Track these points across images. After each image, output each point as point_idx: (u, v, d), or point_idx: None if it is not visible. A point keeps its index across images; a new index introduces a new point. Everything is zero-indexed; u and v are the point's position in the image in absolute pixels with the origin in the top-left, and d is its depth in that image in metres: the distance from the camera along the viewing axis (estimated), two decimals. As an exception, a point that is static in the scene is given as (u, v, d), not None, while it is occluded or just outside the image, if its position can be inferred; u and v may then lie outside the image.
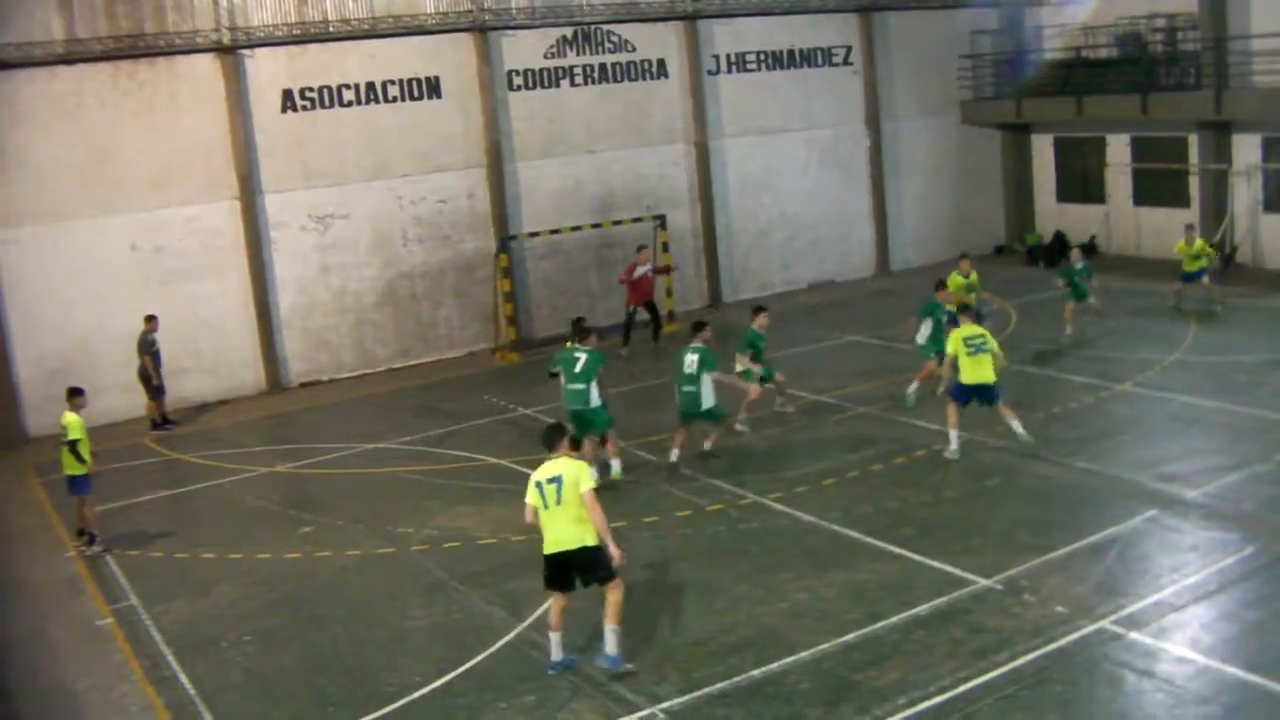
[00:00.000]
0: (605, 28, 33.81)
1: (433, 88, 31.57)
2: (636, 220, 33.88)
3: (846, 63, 38.08)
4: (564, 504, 13.68)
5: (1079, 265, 28.14)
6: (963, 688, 12.86)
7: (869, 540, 17.25)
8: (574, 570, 13.83)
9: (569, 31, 33.29)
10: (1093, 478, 19.03)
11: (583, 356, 20.28)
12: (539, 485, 13.77)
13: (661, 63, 34.85)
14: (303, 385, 30.52)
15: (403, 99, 31.24)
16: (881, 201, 39.02)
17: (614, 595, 13.78)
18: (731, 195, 36.31)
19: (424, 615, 16.21)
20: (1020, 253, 39.93)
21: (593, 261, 34.05)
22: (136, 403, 27.78)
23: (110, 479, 23.04)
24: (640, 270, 30.98)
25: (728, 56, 35.98)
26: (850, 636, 14.31)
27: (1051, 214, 40.28)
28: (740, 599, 15.75)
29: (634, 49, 34.32)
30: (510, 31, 32.47)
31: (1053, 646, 13.57)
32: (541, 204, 33.18)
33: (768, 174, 36.90)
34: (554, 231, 32.73)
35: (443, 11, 31.39)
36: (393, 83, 31.05)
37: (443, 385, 29.57)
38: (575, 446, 15.72)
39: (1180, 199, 36.69)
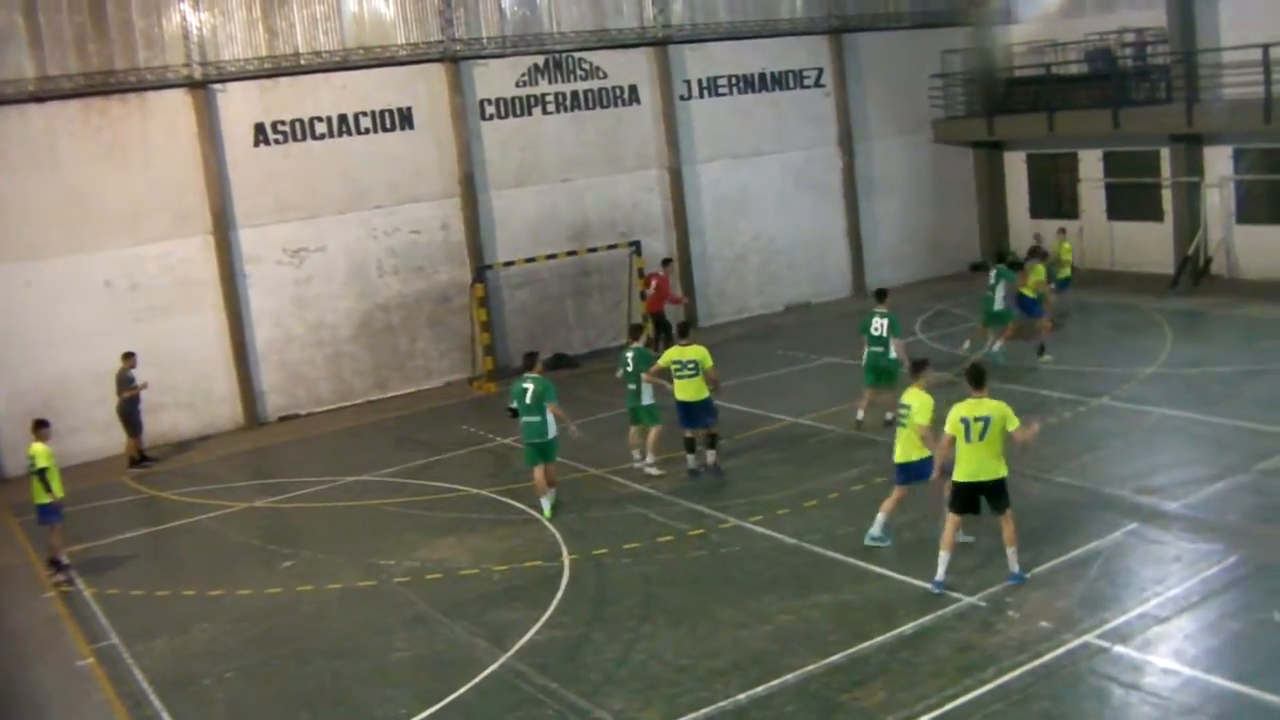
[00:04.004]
0: (576, 55, 33.87)
1: (405, 118, 31.55)
2: (611, 247, 33.91)
3: (818, 85, 38.21)
4: (987, 440, 15.37)
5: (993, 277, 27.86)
6: (949, 706, 12.85)
7: (852, 561, 17.24)
8: (982, 495, 15.67)
9: (540, 60, 33.33)
10: (1073, 492, 19.07)
11: (530, 386, 20.37)
12: (965, 421, 15.42)
13: (633, 89, 34.93)
14: (281, 419, 30.40)
15: (375, 130, 31.22)
16: (856, 222, 39.13)
17: (1008, 523, 15.74)
18: (706, 220, 36.37)
19: (407, 648, 16.12)
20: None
21: (569, 289, 34.05)
22: (115, 440, 27.64)
23: (89, 517, 22.98)
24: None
25: (699, 81, 36.07)
26: (835, 657, 14.28)
27: (1026, 230, 40.38)
28: (724, 623, 15.72)
29: (605, 76, 34.38)
30: (482, 61, 32.49)
31: (1038, 662, 13.58)
32: (516, 233, 33.17)
33: (742, 198, 36.96)
34: (529, 260, 32.70)
35: (414, 42, 31.41)
36: (365, 114, 31.03)
37: (421, 416, 29.48)
38: None
39: (1153, 212, 36.90)
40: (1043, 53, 39.47)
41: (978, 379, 15.68)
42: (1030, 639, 14.15)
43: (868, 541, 17.57)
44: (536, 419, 20.33)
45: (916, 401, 16.86)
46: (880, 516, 17.63)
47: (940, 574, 15.72)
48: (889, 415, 22.90)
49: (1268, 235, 34.40)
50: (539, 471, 20.68)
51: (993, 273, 27.97)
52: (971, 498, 15.72)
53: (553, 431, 20.40)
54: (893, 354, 23.27)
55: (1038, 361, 27.45)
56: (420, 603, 17.58)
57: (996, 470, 15.51)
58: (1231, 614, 14.43)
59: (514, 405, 20.81)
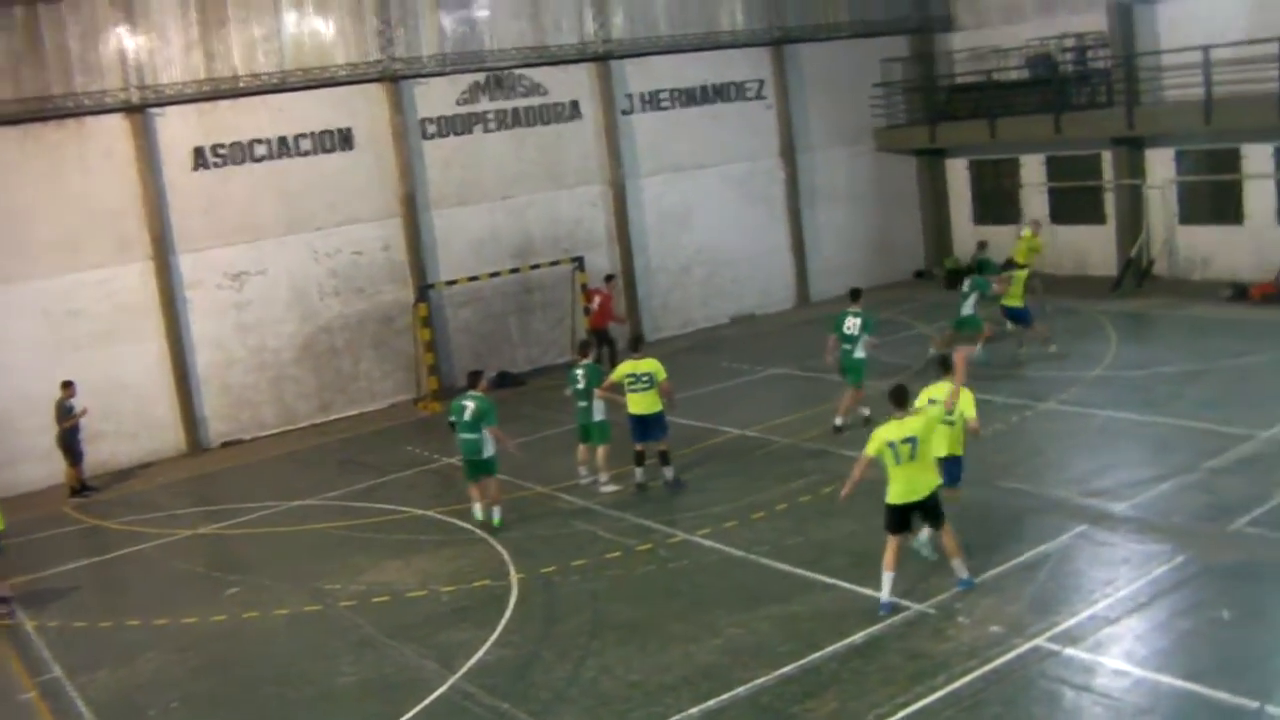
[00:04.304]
0: (517, 72, 33.74)
1: (345, 139, 31.35)
2: (555, 264, 33.79)
3: (760, 96, 38.25)
4: (919, 459, 15.21)
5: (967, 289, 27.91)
6: (901, 714, 12.83)
7: (801, 572, 17.18)
8: (917, 512, 15.55)
9: (481, 77, 33.18)
10: (1021, 497, 19.10)
11: (470, 404, 20.43)
12: (891, 444, 15.12)
13: (575, 104, 34.83)
14: (224, 445, 30.05)
15: (315, 152, 30.97)
16: (800, 233, 39.16)
17: (947, 533, 15.70)
18: (650, 234, 36.31)
19: (355, 672, 15.94)
20: (940, 277, 40.11)
21: (512, 307, 33.86)
22: (55, 470, 27.28)
23: (30, 548, 22.66)
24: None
25: (641, 95, 36.03)
26: (787, 669, 14.22)
27: (969, 236, 40.56)
28: (674, 638, 15.63)
29: (546, 92, 34.28)
30: (422, 80, 32.31)
31: (989, 667, 13.56)
32: (459, 251, 32.98)
33: (685, 211, 36.92)
34: (472, 279, 32.52)
35: (353, 62, 31.21)
36: (305, 136, 30.80)
37: (366, 438, 29.22)
38: None
39: (1096, 215, 37.20)
40: (984, 59, 39.70)
41: (900, 399, 15.44)
42: (981, 644, 14.13)
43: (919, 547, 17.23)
44: (473, 436, 20.37)
45: (963, 398, 16.76)
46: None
47: (885, 594, 15.51)
48: (865, 412, 23.63)
49: (1210, 236, 34.74)
50: (474, 488, 20.92)
51: (967, 281, 28.12)
52: (905, 518, 15.53)
53: (489, 451, 20.44)
54: (859, 353, 23.65)
55: (1020, 353, 27.99)
56: (367, 626, 17.39)
57: (930, 484, 15.35)
58: (1181, 613, 14.47)
59: (453, 419, 20.78)
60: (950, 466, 16.92)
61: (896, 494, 15.39)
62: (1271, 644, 13.63)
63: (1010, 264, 29.48)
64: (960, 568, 15.76)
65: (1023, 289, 27.91)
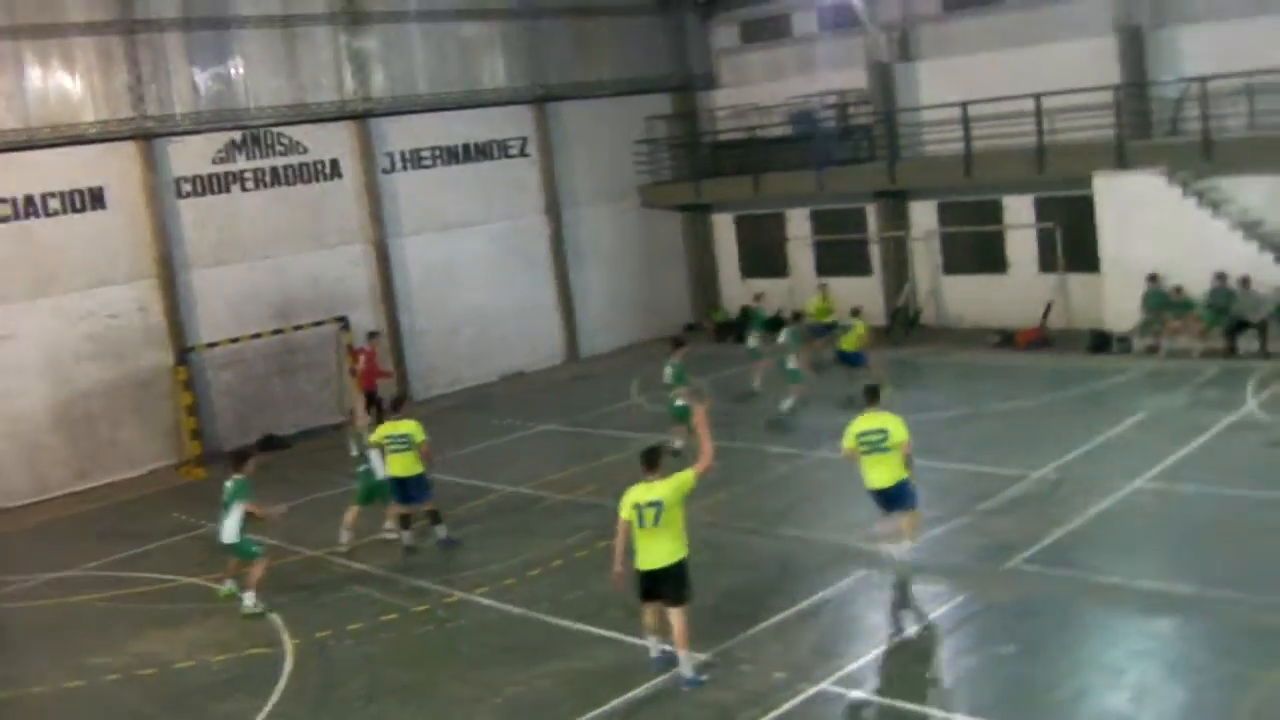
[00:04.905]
0: (275, 130, 33.18)
1: (96, 198, 30.31)
2: (318, 324, 33.22)
3: (523, 154, 38.33)
4: (663, 524, 14.46)
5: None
6: (689, 765, 12.76)
7: (581, 626, 17.10)
8: (664, 585, 14.67)
9: (238, 135, 32.53)
10: (800, 544, 19.36)
11: (228, 485, 19.37)
12: (638, 507, 14.46)
13: (335, 163, 34.39)
14: (-28, 517, 28.77)
15: (65, 211, 29.86)
16: (567, 289, 39.28)
17: (680, 619, 14.70)
18: (415, 293, 35.97)
19: (122, 748, 15.32)
20: (709, 330, 40.61)
21: (275, 369, 33.10)
22: None
23: None
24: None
25: (402, 154, 35.79)
26: (571, 726, 14.07)
27: (737, 290, 41.20)
28: (455, 699, 15.45)
29: (306, 150, 33.78)
30: (176, 138, 31.53)
31: (775, 714, 13.68)
32: (218, 313, 32.14)
33: (450, 269, 36.68)
34: (233, 340, 31.79)
35: (103, 120, 30.29)
36: (53, 195, 29.66)
37: (127, 506, 28.17)
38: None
39: (863, 267, 38.26)
40: (746, 116, 40.48)
41: (650, 461, 14.75)
42: (766, 691, 14.21)
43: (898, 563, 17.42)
44: (223, 517, 19.32)
45: (891, 424, 17.05)
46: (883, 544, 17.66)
47: (654, 652, 15.31)
48: (677, 444, 24.09)
49: (975, 285, 36.08)
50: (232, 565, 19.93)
51: (784, 333, 28.82)
52: (655, 586, 14.78)
53: (230, 536, 19.25)
54: (677, 401, 24.85)
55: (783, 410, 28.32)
56: (135, 700, 16.73)
57: (675, 553, 14.56)
58: (964, 651, 14.80)
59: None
60: (902, 490, 17.22)
61: (643, 561, 14.74)
62: (1052, 677, 13.97)
63: (798, 317, 30.05)
64: (686, 664, 14.80)
65: (856, 339, 29.22)
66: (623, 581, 14.85)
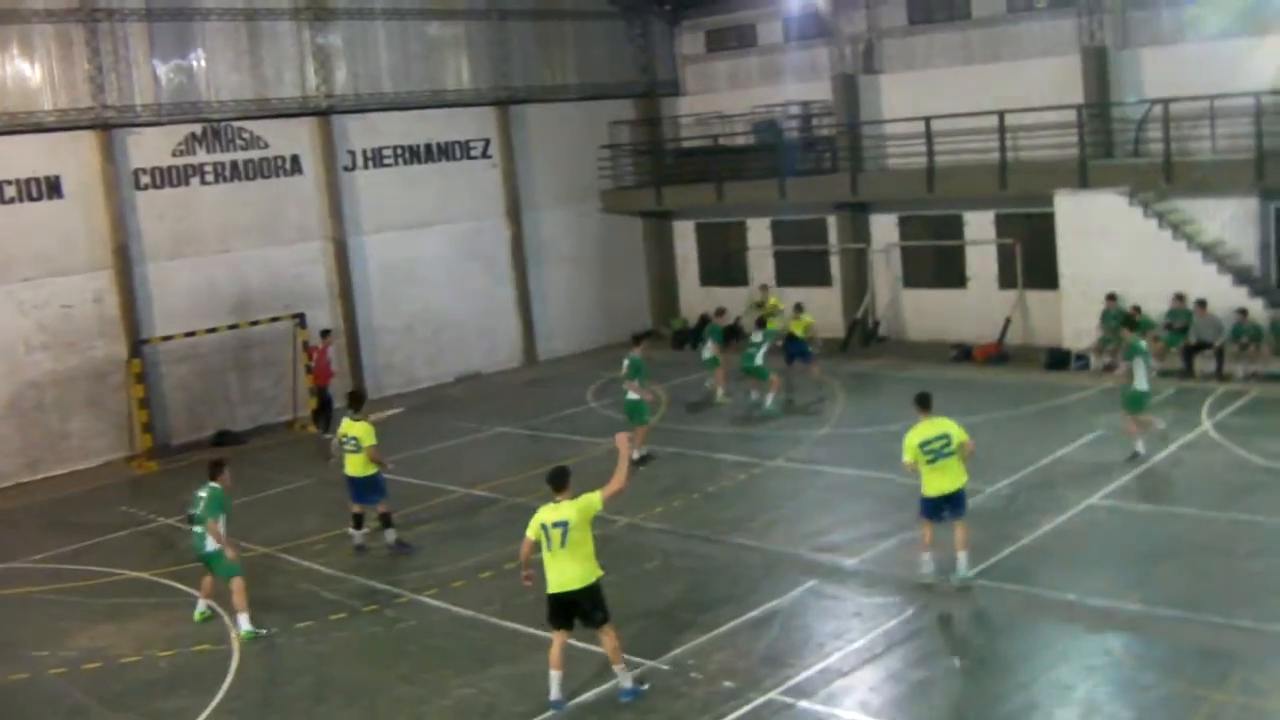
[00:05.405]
0: (236, 124, 32.95)
1: (53, 187, 30.04)
2: (275, 320, 33.00)
3: (485, 155, 38.23)
4: (569, 547, 14.09)
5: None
6: (636, 771, 12.71)
7: (530, 630, 16.95)
8: (576, 610, 14.30)
9: (198, 129, 32.28)
10: (751, 553, 19.32)
11: (204, 495, 18.51)
12: (544, 527, 14.16)
13: (295, 159, 34.18)
14: (-82, 506, 28.45)
15: (21, 200, 29.55)
16: (526, 292, 39.18)
17: (608, 637, 14.45)
18: (373, 291, 35.79)
19: (64, 743, 15.15)
20: (667, 336, 40.62)
21: (231, 363, 32.88)
22: None
23: None
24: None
25: (364, 152, 35.63)
26: (519, 729, 14.00)
27: (697, 297, 41.18)
28: (402, 699, 15.35)
29: (266, 145, 33.56)
30: (135, 129, 31.28)
31: (722, 722, 13.57)
32: (175, 306, 31.88)
33: (410, 269, 36.52)
34: (189, 334, 31.55)
35: (62, 109, 30.01)
36: (9, 183, 29.36)
37: (76, 498, 27.89)
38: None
39: (823, 278, 38.28)
40: (710, 124, 40.51)
41: (558, 481, 14.46)
42: (714, 700, 14.18)
43: (960, 580, 17.19)
44: (200, 530, 18.42)
45: (950, 428, 17.18)
46: (927, 555, 17.42)
47: (554, 692, 14.52)
48: (639, 453, 24.29)
49: (934, 298, 36.23)
50: (206, 581, 19.02)
51: (759, 333, 29.06)
52: (565, 611, 14.36)
53: (210, 545, 18.34)
54: (629, 395, 25.16)
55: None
56: (78, 694, 16.54)
57: (585, 577, 14.16)
58: (914, 663, 14.81)
59: (191, 511, 18.72)
60: (964, 493, 17.26)
61: (552, 584, 14.37)
62: (1001, 691, 14.04)
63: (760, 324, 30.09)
64: (624, 677, 14.63)
65: (804, 327, 30.18)
66: (532, 581, 14.81)
